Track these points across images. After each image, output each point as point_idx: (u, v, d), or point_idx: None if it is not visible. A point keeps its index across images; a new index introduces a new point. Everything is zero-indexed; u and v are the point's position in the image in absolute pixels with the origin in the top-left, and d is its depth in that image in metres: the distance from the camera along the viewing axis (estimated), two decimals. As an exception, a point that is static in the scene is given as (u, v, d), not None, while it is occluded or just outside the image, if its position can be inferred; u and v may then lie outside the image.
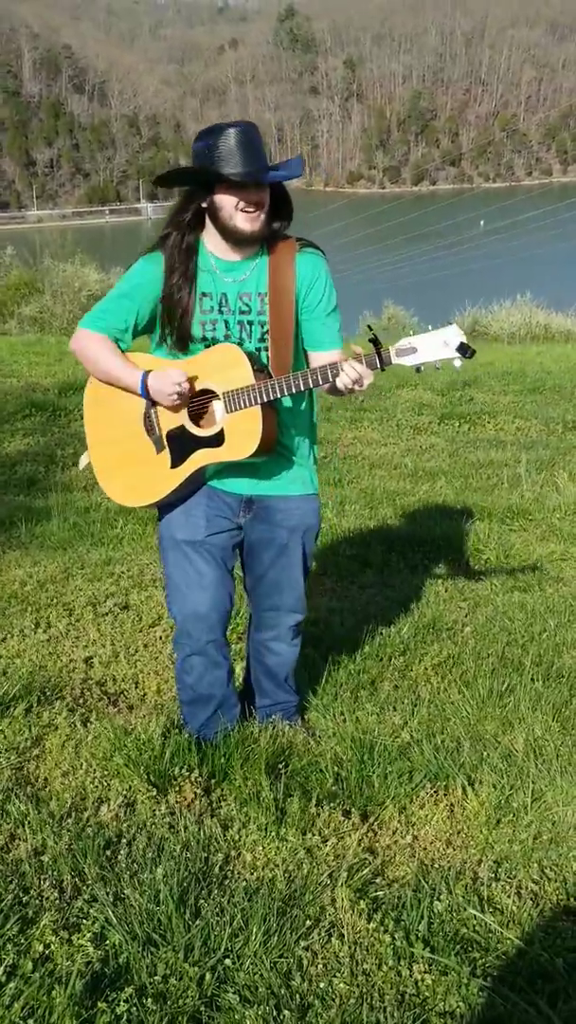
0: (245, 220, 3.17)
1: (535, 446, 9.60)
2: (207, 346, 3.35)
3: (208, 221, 3.27)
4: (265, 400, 3.24)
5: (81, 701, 4.24)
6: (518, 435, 10.29)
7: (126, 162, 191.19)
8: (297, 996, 2.59)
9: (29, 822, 3.25)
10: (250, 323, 3.35)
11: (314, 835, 3.25)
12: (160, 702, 4.23)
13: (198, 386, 3.32)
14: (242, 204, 3.15)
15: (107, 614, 5.13)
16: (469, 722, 4.00)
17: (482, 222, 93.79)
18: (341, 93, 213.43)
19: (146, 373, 3.31)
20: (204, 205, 3.23)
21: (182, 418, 3.36)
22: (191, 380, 3.29)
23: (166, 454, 3.41)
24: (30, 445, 9.40)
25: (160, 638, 4.82)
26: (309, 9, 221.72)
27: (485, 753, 3.76)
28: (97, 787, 3.51)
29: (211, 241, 3.31)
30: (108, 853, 3.12)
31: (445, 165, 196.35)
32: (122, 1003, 2.49)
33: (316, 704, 4.16)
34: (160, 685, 4.36)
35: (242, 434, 3.29)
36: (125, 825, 3.29)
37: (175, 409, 3.35)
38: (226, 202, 3.16)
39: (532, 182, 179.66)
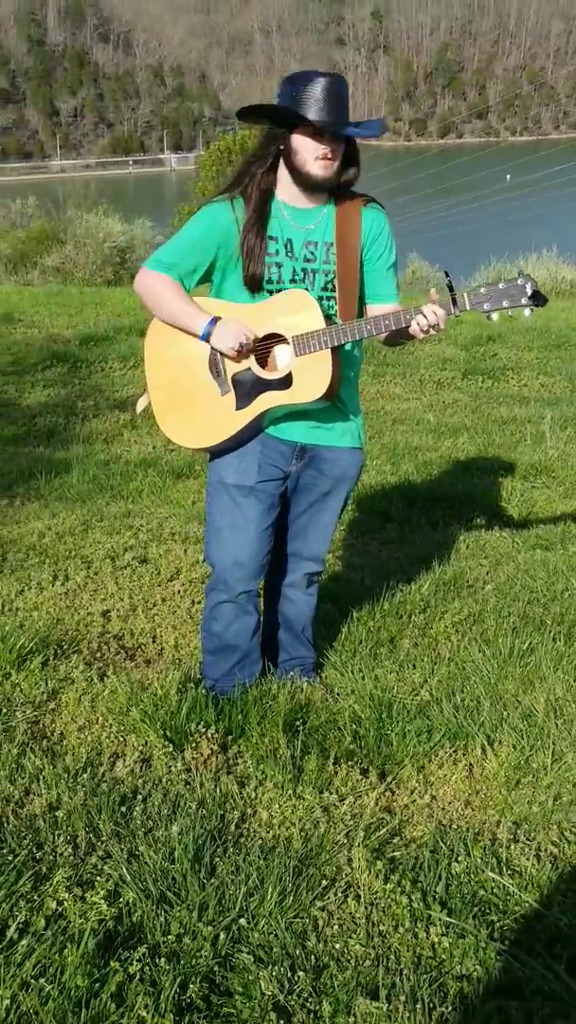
0: (320, 167, 3.20)
1: (559, 403, 9.47)
2: (271, 292, 3.35)
3: (281, 167, 3.28)
4: (336, 344, 3.25)
5: (98, 655, 4.20)
6: (542, 392, 10.17)
7: (150, 112, 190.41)
8: (312, 957, 2.56)
9: (44, 777, 3.23)
10: (314, 271, 3.36)
11: (331, 794, 3.22)
12: (178, 657, 4.20)
13: (265, 330, 3.32)
14: (319, 152, 3.16)
15: (125, 567, 5.08)
16: (489, 681, 3.94)
17: (508, 176, 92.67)
18: (368, 44, 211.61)
19: (214, 320, 3.29)
20: (281, 146, 3.23)
21: (249, 361, 3.35)
22: (258, 324, 3.30)
23: (231, 396, 3.39)
24: (51, 396, 9.34)
25: (178, 593, 4.77)
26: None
27: (505, 713, 3.71)
28: (113, 742, 3.48)
29: (282, 188, 3.32)
30: (123, 809, 3.08)
31: (472, 118, 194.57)
32: (135, 962, 2.46)
33: (335, 661, 4.11)
34: (178, 640, 4.32)
35: (311, 377, 3.29)
36: (141, 781, 3.26)
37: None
38: (303, 146, 3.17)
39: (560, 136, 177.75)
